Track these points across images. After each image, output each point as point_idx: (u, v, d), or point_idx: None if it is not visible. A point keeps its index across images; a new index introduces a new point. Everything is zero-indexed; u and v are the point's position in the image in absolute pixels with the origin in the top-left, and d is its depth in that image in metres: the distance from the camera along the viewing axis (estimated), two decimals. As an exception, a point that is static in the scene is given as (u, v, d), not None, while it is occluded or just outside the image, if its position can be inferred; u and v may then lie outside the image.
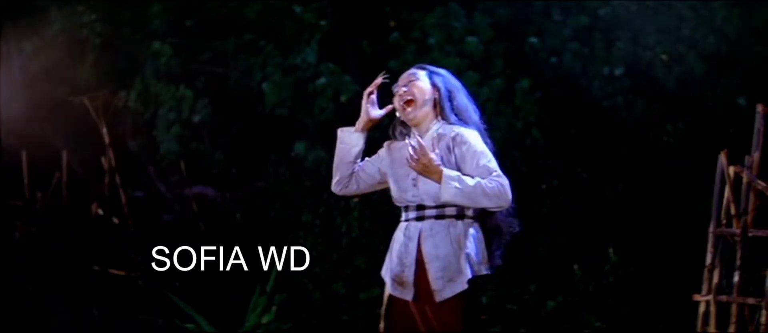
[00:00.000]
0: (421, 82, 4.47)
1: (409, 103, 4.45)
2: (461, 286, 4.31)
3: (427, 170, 4.27)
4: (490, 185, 4.25)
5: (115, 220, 9.73)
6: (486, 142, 4.43)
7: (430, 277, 4.33)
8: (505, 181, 4.29)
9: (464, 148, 4.36)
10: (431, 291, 4.32)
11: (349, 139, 4.56)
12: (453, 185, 4.24)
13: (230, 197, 10.48)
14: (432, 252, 4.34)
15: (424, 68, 4.55)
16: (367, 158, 4.61)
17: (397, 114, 4.51)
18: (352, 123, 4.61)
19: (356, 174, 4.59)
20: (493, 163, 4.33)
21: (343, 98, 9.77)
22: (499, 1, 10.11)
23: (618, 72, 9.69)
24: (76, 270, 9.28)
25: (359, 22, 10.54)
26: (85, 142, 10.41)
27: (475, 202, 4.27)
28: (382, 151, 4.61)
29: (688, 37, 9.74)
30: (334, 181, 4.62)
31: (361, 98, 4.59)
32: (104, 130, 10.07)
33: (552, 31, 9.97)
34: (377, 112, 4.54)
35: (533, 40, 9.96)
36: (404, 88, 4.47)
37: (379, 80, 4.54)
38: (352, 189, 4.62)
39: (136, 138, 10.72)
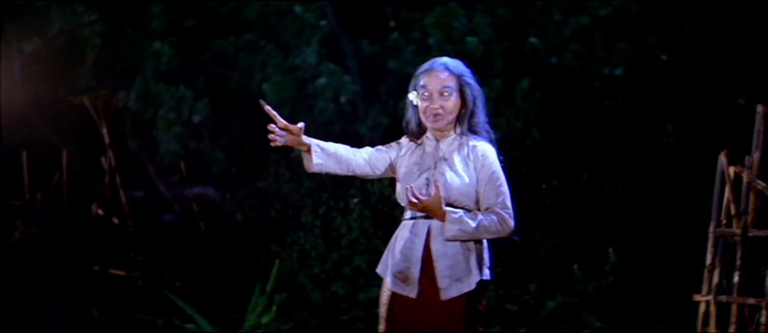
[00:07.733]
0: (453, 96, 4.45)
1: (437, 115, 4.43)
2: (468, 286, 4.32)
3: (431, 211, 4.31)
4: (492, 221, 4.31)
5: (115, 220, 9.73)
6: (499, 159, 4.44)
7: (437, 274, 4.33)
8: (509, 213, 4.33)
9: (483, 163, 4.39)
10: (437, 289, 4.32)
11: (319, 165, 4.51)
12: (455, 228, 4.29)
13: (230, 197, 10.48)
14: (440, 249, 4.34)
15: (456, 73, 4.48)
16: (379, 148, 4.56)
17: (421, 117, 4.47)
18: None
19: (370, 163, 4.54)
20: (504, 189, 4.36)
21: (343, 98, 9.75)
22: (499, 1, 10.11)
23: (618, 72, 9.69)
24: (76, 270, 9.28)
25: (359, 22, 10.53)
26: (85, 142, 10.40)
27: (477, 237, 4.34)
28: (403, 141, 4.56)
29: (688, 37, 9.73)
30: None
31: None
32: (104, 130, 10.07)
33: (552, 31, 9.96)
34: (294, 128, 4.56)
35: (533, 40, 9.95)
36: (440, 102, 4.43)
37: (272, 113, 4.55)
38: (377, 174, 4.57)
39: (136, 138, 10.71)
